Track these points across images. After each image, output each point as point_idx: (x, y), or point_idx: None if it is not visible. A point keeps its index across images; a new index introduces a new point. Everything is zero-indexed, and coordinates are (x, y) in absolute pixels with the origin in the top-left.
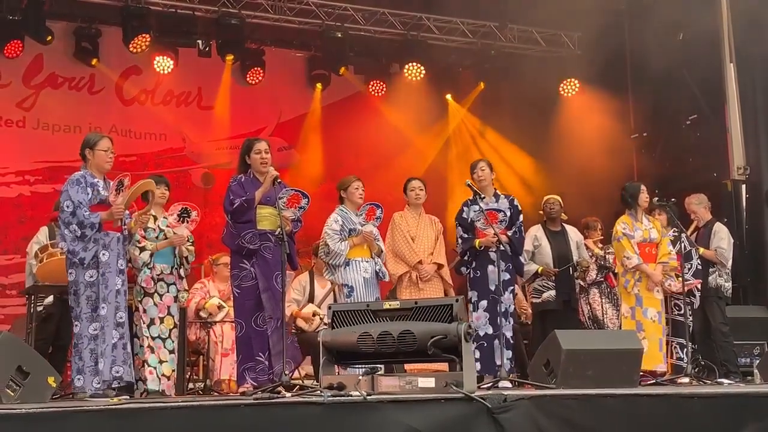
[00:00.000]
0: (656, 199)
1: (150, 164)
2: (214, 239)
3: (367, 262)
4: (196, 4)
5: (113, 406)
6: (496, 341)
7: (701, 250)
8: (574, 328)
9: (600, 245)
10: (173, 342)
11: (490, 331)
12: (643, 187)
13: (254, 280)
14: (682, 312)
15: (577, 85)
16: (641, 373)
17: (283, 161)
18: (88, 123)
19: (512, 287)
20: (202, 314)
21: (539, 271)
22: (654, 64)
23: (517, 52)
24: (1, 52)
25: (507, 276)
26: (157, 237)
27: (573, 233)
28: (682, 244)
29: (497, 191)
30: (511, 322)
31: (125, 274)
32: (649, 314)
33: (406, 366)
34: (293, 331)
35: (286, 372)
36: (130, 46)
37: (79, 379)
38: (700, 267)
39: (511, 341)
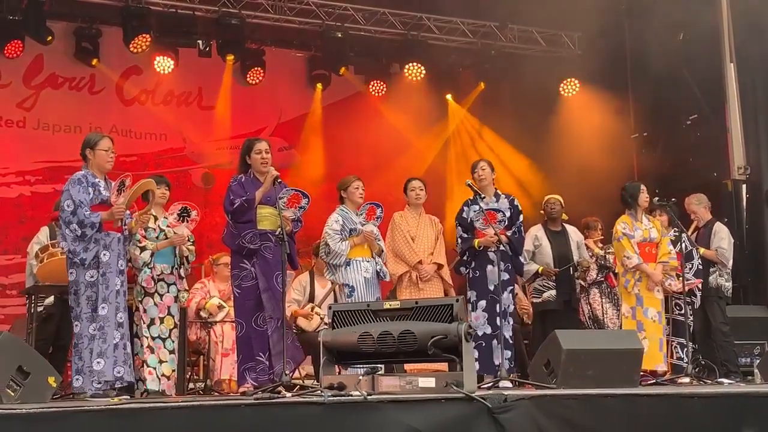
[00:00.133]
0: (656, 199)
1: (150, 164)
2: (214, 239)
3: (367, 261)
4: (197, 4)
5: (114, 406)
6: (495, 341)
7: (702, 250)
8: (574, 327)
9: (600, 245)
10: (173, 342)
11: (489, 331)
12: (643, 187)
13: (254, 280)
14: (683, 312)
15: (578, 85)
16: (642, 373)
17: (283, 161)
18: (89, 123)
19: (511, 287)
20: (203, 314)
21: (540, 270)
22: (654, 63)
23: (517, 52)
24: (2, 52)
25: (506, 276)
26: (157, 237)
27: (573, 233)
28: (683, 244)
29: (498, 191)
30: (511, 322)
31: (125, 275)
32: (650, 314)
33: (406, 366)
34: (294, 330)
35: (287, 372)
36: (131, 46)
37: (77, 379)
38: (701, 267)
39: (511, 341)
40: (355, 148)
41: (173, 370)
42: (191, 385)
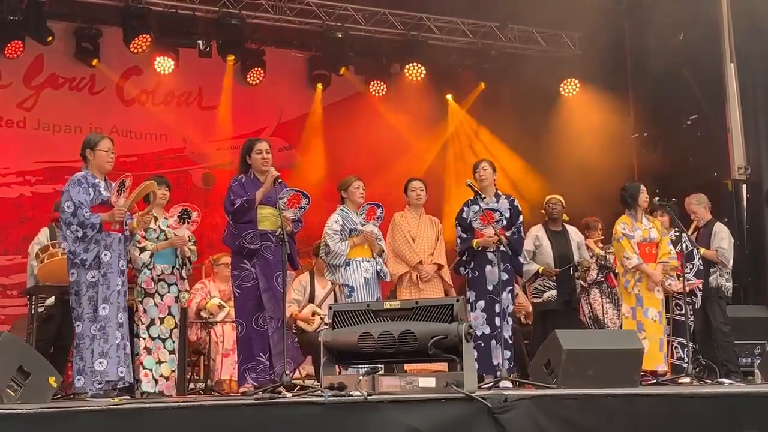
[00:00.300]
0: (656, 199)
1: (150, 165)
2: (214, 239)
3: (368, 262)
4: (197, 5)
5: (114, 407)
6: (493, 341)
7: (702, 250)
8: (574, 328)
9: (601, 245)
10: (174, 342)
11: (488, 330)
12: (642, 188)
13: (255, 281)
14: (683, 312)
15: (578, 85)
16: (642, 373)
17: (283, 161)
18: (89, 123)
19: (511, 287)
20: (203, 314)
21: (540, 271)
22: (654, 63)
23: (517, 52)
24: (2, 52)
25: (505, 276)
26: (157, 238)
27: (574, 233)
28: (684, 244)
29: (498, 191)
30: (510, 323)
31: (126, 275)
32: (650, 314)
33: (406, 366)
34: (294, 331)
35: (287, 372)
36: (131, 46)
37: (79, 379)
38: (701, 267)
39: (510, 341)
40: (356, 148)
41: (173, 371)
42: (192, 386)
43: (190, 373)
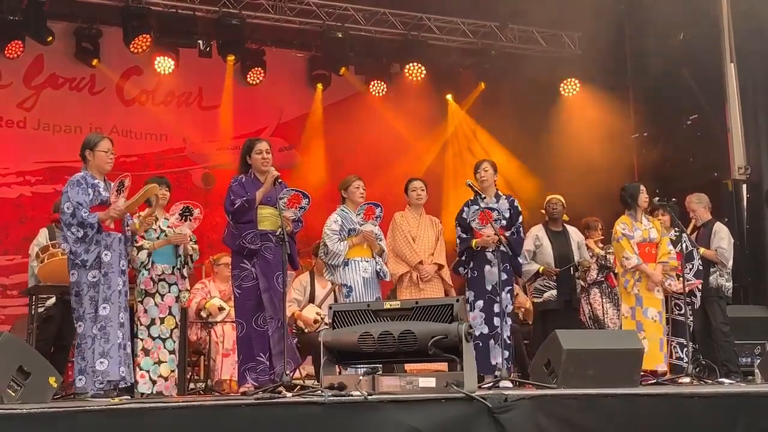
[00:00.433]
0: (657, 198)
1: (150, 165)
2: (215, 239)
3: (367, 261)
4: (197, 5)
5: (114, 406)
6: (492, 341)
7: (702, 249)
8: (575, 327)
9: (601, 245)
10: (174, 342)
11: (486, 330)
12: (642, 188)
13: (255, 281)
14: (683, 312)
15: (578, 85)
16: (642, 373)
17: (283, 161)
18: (89, 123)
19: (510, 287)
20: (203, 314)
21: (540, 270)
22: (654, 63)
23: (517, 52)
24: (2, 52)
25: (504, 276)
26: (157, 237)
27: (574, 234)
28: (684, 244)
29: (499, 192)
30: (509, 323)
31: (126, 275)
32: (650, 314)
33: (407, 366)
34: (294, 331)
35: (287, 372)
36: (131, 46)
37: (80, 379)
38: (701, 267)
39: (508, 341)
40: (356, 148)
41: (172, 371)
42: (192, 386)
43: (190, 373)
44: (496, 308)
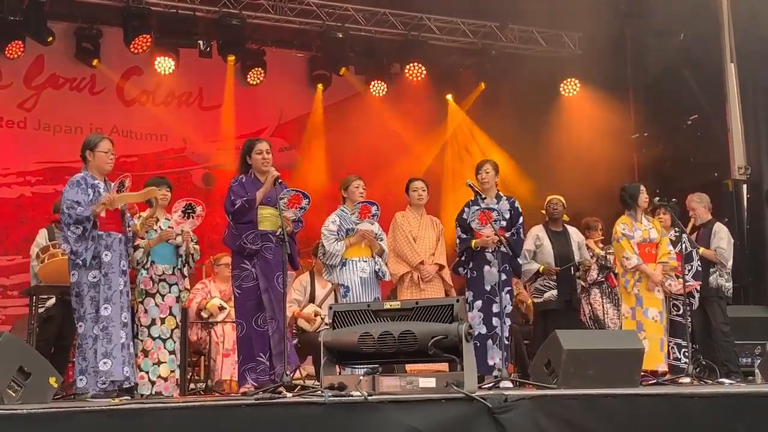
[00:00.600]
0: (657, 198)
1: (151, 165)
2: (215, 240)
3: (365, 261)
4: (197, 5)
5: (115, 407)
6: (489, 341)
7: (701, 249)
8: (575, 328)
9: (601, 245)
10: (175, 342)
11: (484, 331)
12: (642, 188)
13: (255, 281)
14: (680, 312)
15: (578, 85)
16: (642, 373)
17: (284, 162)
18: (89, 124)
19: (509, 287)
20: (203, 314)
21: (540, 270)
22: (655, 63)
23: (517, 52)
24: (2, 52)
25: (504, 276)
26: None
27: (575, 234)
28: (683, 245)
29: (500, 193)
30: (508, 323)
31: (128, 275)
32: (650, 314)
33: (408, 366)
34: (294, 331)
35: (287, 372)
36: (131, 46)
37: (81, 380)
38: (700, 268)
39: (506, 341)
40: (356, 149)
41: (172, 371)
42: (192, 386)
43: (190, 374)
44: (495, 308)
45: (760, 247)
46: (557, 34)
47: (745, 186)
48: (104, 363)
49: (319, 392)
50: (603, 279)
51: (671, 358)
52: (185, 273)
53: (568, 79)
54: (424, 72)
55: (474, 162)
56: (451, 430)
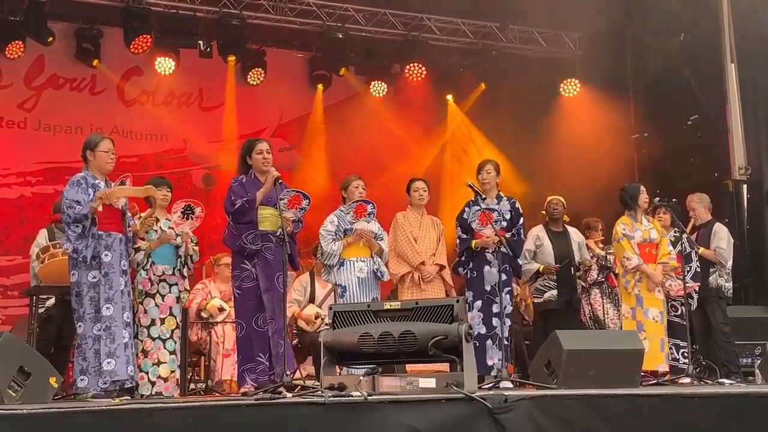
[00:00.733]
0: (657, 199)
1: (151, 165)
2: (215, 240)
3: (363, 261)
4: (197, 5)
5: (115, 407)
6: (489, 341)
7: (701, 249)
8: (575, 328)
9: (601, 245)
10: (175, 342)
11: (483, 331)
12: (642, 188)
13: (255, 281)
14: (679, 313)
15: (578, 85)
16: (642, 374)
17: (284, 162)
18: (90, 124)
19: (509, 288)
20: (204, 315)
21: (541, 269)
22: (655, 64)
23: (518, 52)
24: (3, 53)
25: (504, 277)
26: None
27: (575, 234)
28: (683, 246)
29: (500, 193)
30: (508, 323)
31: (128, 275)
32: (651, 314)
33: (408, 367)
34: (294, 332)
35: (287, 372)
36: (132, 47)
37: (82, 379)
38: (699, 269)
39: (505, 342)
40: (357, 149)
41: (172, 371)
42: (192, 386)
43: (190, 374)
44: (495, 309)
45: (761, 248)
46: (557, 34)
47: (745, 186)
48: (108, 363)
49: (319, 392)
50: (603, 279)
51: (669, 359)
52: (185, 274)
53: (568, 80)
54: (425, 72)
55: (471, 163)
56: (451, 430)
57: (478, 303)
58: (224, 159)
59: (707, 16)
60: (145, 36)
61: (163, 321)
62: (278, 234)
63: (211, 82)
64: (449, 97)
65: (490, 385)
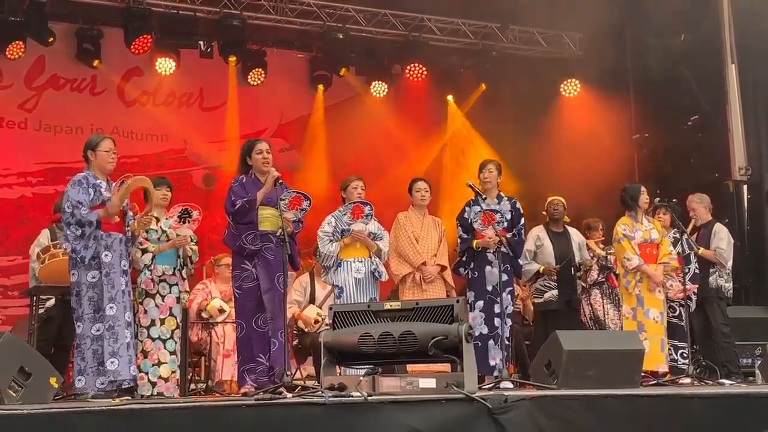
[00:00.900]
0: (657, 199)
1: (151, 165)
2: (215, 240)
3: (360, 262)
4: (198, 6)
5: (115, 407)
6: (491, 341)
7: (701, 250)
8: (575, 328)
9: (601, 246)
10: (175, 343)
11: (485, 331)
12: (643, 189)
13: (255, 281)
14: (677, 314)
15: (578, 86)
16: (642, 374)
17: (284, 162)
18: (90, 124)
19: (510, 288)
20: (204, 315)
21: (541, 270)
22: (655, 64)
23: (518, 52)
24: (3, 53)
25: (505, 277)
26: (159, 239)
27: (575, 235)
28: (682, 247)
29: (501, 193)
30: (509, 323)
31: (128, 275)
32: (651, 315)
33: (409, 367)
34: (294, 332)
35: (287, 373)
36: (132, 47)
37: (80, 380)
38: (697, 271)
39: (507, 342)
40: (357, 149)
41: (173, 372)
42: (192, 386)
43: (190, 374)
44: (497, 309)
45: (761, 248)
46: (558, 34)
47: (745, 186)
48: (111, 362)
49: (320, 393)
50: (603, 279)
51: (669, 359)
52: (184, 275)
53: (569, 80)
54: (425, 73)
55: (471, 164)
56: (451, 430)
57: (480, 303)
58: (225, 159)
59: (708, 17)
60: (145, 36)
61: (163, 321)
62: (278, 234)
63: (211, 83)
64: (450, 97)
65: (491, 385)
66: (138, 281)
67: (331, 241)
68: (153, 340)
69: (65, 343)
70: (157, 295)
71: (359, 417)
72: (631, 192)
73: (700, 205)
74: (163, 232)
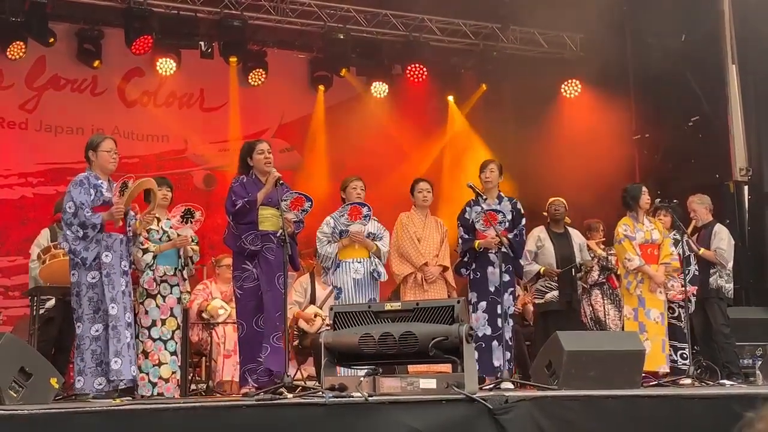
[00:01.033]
0: (658, 200)
1: (152, 166)
2: (216, 241)
3: (359, 262)
4: (199, 6)
5: (115, 407)
6: (495, 342)
7: (702, 250)
8: (576, 329)
9: (602, 246)
10: (176, 343)
11: (489, 332)
12: (644, 189)
13: (256, 281)
14: (676, 315)
15: (579, 86)
16: (643, 374)
17: (285, 163)
18: (91, 125)
19: (512, 288)
20: (205, 315)
21: (542, 271)
22: (656, 65)
23: (519, 53)
24: (4, 53)
25: (507, 277)
26: (160, 239)
27: (576, 236)
28: (683, 248)
29: (501, 193)
30: (511, 324)
31: (129, 276)
32: (652, 315)
33: (410, 367)
34: (295, 333)
35: (288, 373)
36: (133, 47)
37: (79, 380)
38: (697, 273)
39: (510, 342)
40: (358, 150)
41: (173, 372)
42: (193, 387)
43: (191, 375)
44: (499, 309)
45: (761, 249)
46: (558, 35)
47: (746, 187)
48: (115, 362)
49: (320, 393)
50: (604, 280)
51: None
52: (185, 275)
53: (570, 80)
54: (426, 73)
55: (471, 164)
56: (451, 431)
57: (483, 304)
58: (225, 160)
59: (708, 17)
60: (146, 37)
61: (164, 322)
62: (279, 234)
63: (212, 83)
64: (450, 98)
65: (491, 386)
66: (140, 281)
67: (329, 242)
68: (154, 340)
69: (66, 344)
70: (158, 295)
71: (360, 417)
72: (632, 192)
73: (700, 206)
74: (165, 232)
